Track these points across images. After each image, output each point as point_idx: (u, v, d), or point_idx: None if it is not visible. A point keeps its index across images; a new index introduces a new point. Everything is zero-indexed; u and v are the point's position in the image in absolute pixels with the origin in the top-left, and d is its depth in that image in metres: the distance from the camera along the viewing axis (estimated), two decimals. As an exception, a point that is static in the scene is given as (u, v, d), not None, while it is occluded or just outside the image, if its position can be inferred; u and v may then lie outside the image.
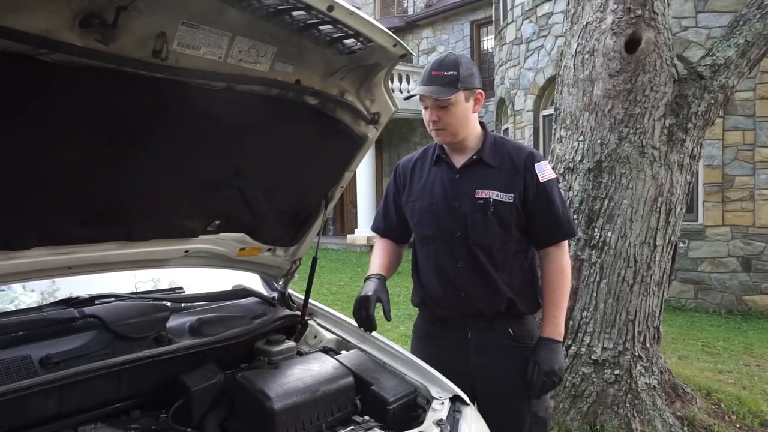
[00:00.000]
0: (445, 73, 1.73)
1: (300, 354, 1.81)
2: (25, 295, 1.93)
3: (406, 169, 2.00)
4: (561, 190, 1.93)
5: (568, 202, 3.43)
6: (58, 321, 1.57)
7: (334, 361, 1.61)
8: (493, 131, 1.96)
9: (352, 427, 1.41)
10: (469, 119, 1.82)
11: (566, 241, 1.88)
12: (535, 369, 1.76)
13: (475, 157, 1.85)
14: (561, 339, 1.81)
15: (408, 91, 13.45)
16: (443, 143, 1.88)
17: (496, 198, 1.80)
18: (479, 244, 1.82)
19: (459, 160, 1.87)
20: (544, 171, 1.82)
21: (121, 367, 1.49)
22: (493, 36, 12.56)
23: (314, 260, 1.97)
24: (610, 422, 3.14)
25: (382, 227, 2.08)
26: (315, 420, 1.43)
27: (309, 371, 1.52)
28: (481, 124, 1.91)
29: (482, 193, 1.81)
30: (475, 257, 1.83)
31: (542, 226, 1.84)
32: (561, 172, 3.52)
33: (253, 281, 2.27)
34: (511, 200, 1.80)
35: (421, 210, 1.90)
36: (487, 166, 1.83)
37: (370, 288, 1.82)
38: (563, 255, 1.85)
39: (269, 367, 1.58)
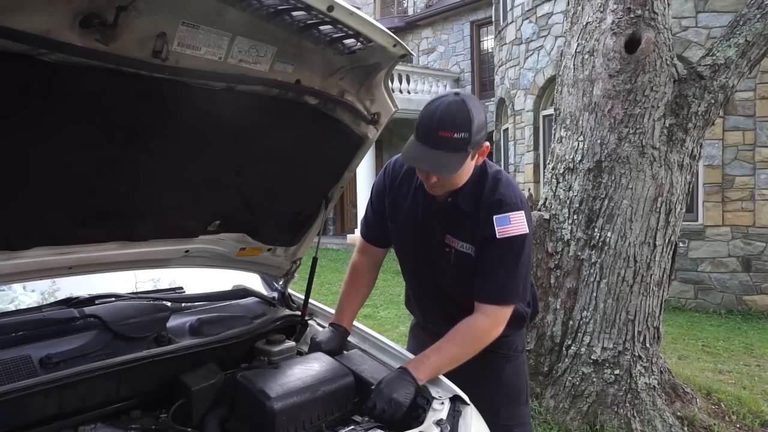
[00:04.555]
0: (455, 136, 1.41)
1: (300, 354, 1.81)
2: (25, 295, 1.93)
3: (396, 175, 1.79)
4: (528, 253, 1.62)
5: (568, 202, 3.43)
6: (58, 321, 1.58)
7: (334, 361, 1.61)
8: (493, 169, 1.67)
9: (352, 426, 1.41)
10: (470, 171, 1.59)
11: (496, 308, 1.59)
12: (377, 391, 1.47)
13: (449, 200, 1.63)
14: (418, 380, 1.48)
15: (408, 92, 13.46)
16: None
17: (459, 249, 1.63)
18: (443, 288, 1.73)
19: (437, 197, 1.65)
20: (508, 226, 1.54)
21: (121, 367, 1.49)
22: (493, 36, 12.56)
23: (314, 260, 1.97)
24: (610, 422, 3.14)
25: (364, 231, 1.94)
26: (315, 420, 1.43)
27: (309, 371, 1.52)
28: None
29: (449, 240, 1.65)
30: (442, 295, 1.74)
31: (478, 278, 1.60)
32: (561, 172, 3.52)
33: (253, 281, 2.27)
34: (473, 253, 1.61)
35: (400, 229, 1.79)
36: (460, 210, 1.62)
37: (325, 338, 1.74)
38: (484, 319, 1.58)
39: (269, 367, 1.58)
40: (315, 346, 1.72)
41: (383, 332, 3.20)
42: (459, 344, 1.57)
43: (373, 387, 1.48)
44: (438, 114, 1.42)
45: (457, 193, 1.60)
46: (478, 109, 1.46)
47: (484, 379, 1.66)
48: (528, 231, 1.57)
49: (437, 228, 1.67)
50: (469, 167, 1.55)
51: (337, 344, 1.74)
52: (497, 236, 1.53)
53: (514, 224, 1.55)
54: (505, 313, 1.61)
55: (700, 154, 3.44)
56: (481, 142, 1.49)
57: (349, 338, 1.88)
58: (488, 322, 1.59)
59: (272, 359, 1.70)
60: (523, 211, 1.57)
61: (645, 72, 3.18)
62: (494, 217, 1.54)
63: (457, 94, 1.46)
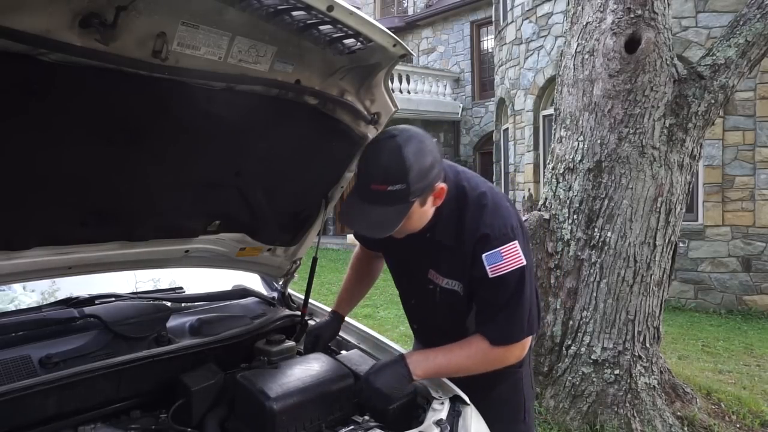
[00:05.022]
0: (389, 188, 1.24)
1: (300, 354, 1.81)
2: (25, 295, 1.93)
3: None
4: (530, 283, 1.44)
5: (568, 202, 3.43)
6: (58, 321, 1.58)
7: (334, 361, 1.61)
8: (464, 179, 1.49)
9: (351, 426, 1.41)
10: (430, 215, 1.42)
11: (505, 347, 1.46)
12: (366, 376, 1.43)
13: (428, 235, 1.47)
14: (414, 375, 1.41)
15: (408, 92, 13.44)
16: None
17: (444, 286, 1.51)
18: (435, 324, 1.64)
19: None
20: (500, 263, 1.37)
21: (121, 367, 1.49)
22: (493, 36, 12.56)
23: (314, 260, 1.97)
24: (610, 422, 3.14)
25: (361, 241, 1.87)
26: (315, 420, 1.43)
27: (309, 371, 1.52)
28: (453, 172, 1.48)
29: (432, 276, 1.52)
30: (436, 330, 1.65)
31: (479, 318, 1.49)
32: (561, 172, 3.52)
33: (253, 281, 2.27)
34: (461, 290, 1.48)
35: (392, 264, 1.73)
36: (441, 244, 1.47)
37: (319, 324, 1.82)
38: (483, 346, 1.44)
39: (269, 367, 1.58)
40: (309, 334, 1.78)
41: (383, 332, 3.20)
42: (470, 358, 1.45)
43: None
44: (369, 164, 1.30)
45: (435, 226, 1.44)
46: (420, 152, 1.27)
47: (475, 396, 1.54)
48: (525, 262, 1.39)
49: (422, 264, 1.55)
50: (422, 214, 1.37)
51: (332, 331, 1.79)
52: (489, 276, 1.37)
53: (507, 259, 1.37)
54: (518, 346, 1.47)
55: (700, 154, 3.44)
56: (428, 187, 1.31)
57: (349, 338, 1.88)
58: (503, 351, 1.46)
59: (272, 359, 1.70)
60: (516, 241, 1.38)
61: (645, 72, 3.18)
62: (483, 255, 1.37)
63: (393, 136, 1.29)
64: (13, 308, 1.83)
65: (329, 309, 2.09)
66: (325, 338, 1.80)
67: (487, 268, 1.37)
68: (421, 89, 13.86)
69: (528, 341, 1.51)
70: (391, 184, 1.24)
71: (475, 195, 1.44)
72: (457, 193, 1.44)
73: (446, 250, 1.46)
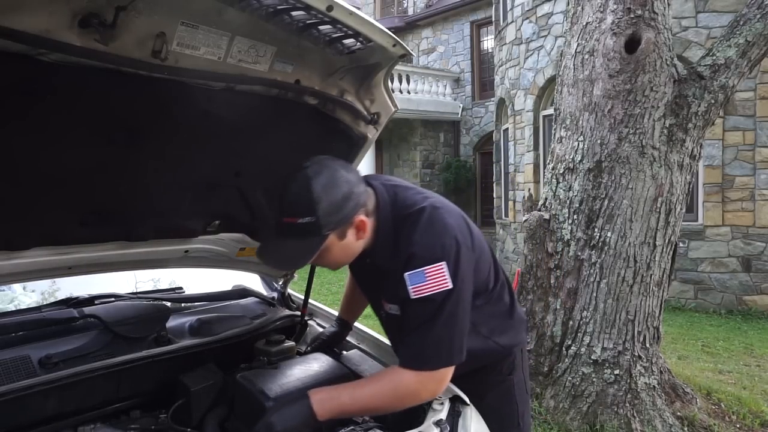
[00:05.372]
0: (299, 221, 1.22)
1: (299, 354, 1.81)
2: (25, 295, 1.93)
3: None
4: (456, 308, 1.29)
5: (568, 202, 3.43)
6: (58, 321, 1.58)
7: (334, 361, 1.61)
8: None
9: (351, 427, 1.41)
10: (359, 246, 1.36)
11: (418, 373, 1.29)
12: (268, 422, 1.27)
13: (367, 260, 1.41)
14: (318, 416, 1.28)
15: (408, 92, 13.45)
16: None
17: (389, 312, 1.43)
18: (395, 349, 1.54)
19: (360, 258, 1.43)
20: (422, 284, 1.26)
21: (120, 367, 1.49)
22: (493, 36, 12.55)
23: (314, 260, 1.97)
24: (610, 422, 3.14)
25: None
26: None
27: (308, 371, 1.52)
28: (388, 189, 1.40)
29: (383, 302, 1.45)
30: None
31: (401, 334, 1.37)
32: (561, 172, 3.52)
33: (253, 281, 2.27)
34: (401, 314, 1.37)
35: (355, 275, 1.70)
36: (380, 270, 1.40)
37: (326, 332, 1.83)
38: (411, 378, 1.30)
39: (269, 367, 1.58)
40: (315, 340, 1.78)
41: (383, 332, 3.19)
42: (379, 394, 1.32)
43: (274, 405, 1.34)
44: (281, 197, 1.26)
45: (373, 250, 1.38)
46: (331, 184, 1.23)
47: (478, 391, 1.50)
48: (451, 285, 1.26)
49: (373, 289, 1.52)
50: (343, 248, 1.32)
51: (338, 339, 1.81)
52: (411, 297, 1.27)
53: (431, 280, 1.26)
54: (433, 377, 1.31)
55: (700, 154, 3.44)
56: (343, 220, 1.26)
57: (349, 338, 1.88)
58: (415, 382, 1.30)
59: (272, 359, 1.70)
60: (444, 262, 1.27)
61: (645, 72, 3.18)
62: (405, 275, 1.27)
63: (305, 167, 1.26)
64: (13, 308, 1.83)
65: (329, 309, 2.09)
66: (331, 346, 1.81)
67: (409, 288, 1.27)
68: (421, 89, 13.86)
69: (449, 373, 1.33)
70: (300, 216, 1.22)
71: (409, 213, 1.36)
72: (393, 213, 1.37)
73: (384, 275, 1.37)
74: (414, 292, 1.27)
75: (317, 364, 1.58)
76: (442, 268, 1.27)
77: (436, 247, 1.29)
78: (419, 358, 1.30)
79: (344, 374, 1.54)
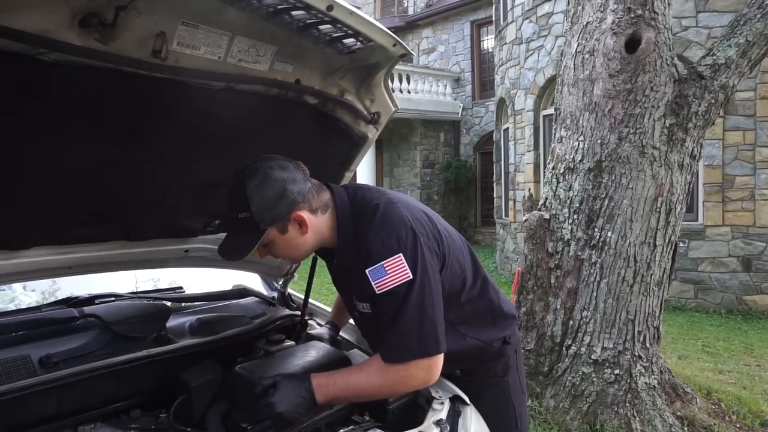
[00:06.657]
0: (240, 216, 1.30)
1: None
2: (25, 295, 1.93)
3: None
4: (421, 297, 1.31)
5: (568, 201, 3.43)
6: (58, 321, 1.57)
7: (331, 347, 1.61)
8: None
9: (351, 426, 1.41)
10: (307, 241, 1.39)
11: (400, 365, 1.31)
12: (269, 397, 1.31)
13: (335, 261, 1.48)
14: (317, 400, 1.32)
15: (408, 91, 13.45)
16: None
17: (362, 311, 1.46)
18: (374, 350, 1.52)
19: (332, 259, 1.51)
20: (384, 278, 1.29)
21: (121, 366, 1.49)
22: (493, 36, 12.55)
23: (314, 260, 1.96)
24: (610, 422, 3.14)
25: None
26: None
27: (307, 357, 1.52)
28: (349, 193, 1.46)
29: (356, 302, 1.48)
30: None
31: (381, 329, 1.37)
32: (561, 171, 3.52)
33: (253, 281, 2.27)
34: (373, 312, 1.40)
35: (333, 279, 1.69)
36: (346, 269, 1.44)
37: (322, 331, 1.82)
38: (379, 365, 1.33)
39: (267, 357, 1.58)
40: (308, 338, 1.77)
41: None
42: (369, 380, 1.34)
43: (272, 381, 1.34)
44: (228, 193, 1.34)
45: (338, 251, 1.43)
46: (263, 183, 1.29)
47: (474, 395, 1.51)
48: (411, 276, 1.29)
49: (346, 290, 1.55)
50: (289, 241, 1.36)
51: (330, 339, 1.78)
52: (377, 292, 1.30)
53: (392, 273, 1.29)
54: (418, 369, 1.32)
55: (700, 154, 3.44)
56: (279, 216, 1.31)
57: (349, 338, 1.88)
58: (399, 373, 1.33)
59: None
60: (400, 254, 1.29)
61: (645, 72, 3.18)
62: (367, 271, 1.30)
63: (244, 167, 1.33)
64: (13, 308, 1.83)
65: (329, 309, 2.09)
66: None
67: (373, 284, 1.30)
68: (421, 89, 13.86)
69: (434, 363, 1.34)
70: (240, 211, 1.30)
71: (366, 210, 1.39)
72: (353, 213, 1.41)
73: (352, 274, 1.40)
74: (377, 287, 1.30)
75: (315, 350, 1.58)
76: (400, 260, 1.30)
77: (392, 240, 1.32)
78: (393, 352, 1.32)
79: (343, 358, 1.55)
